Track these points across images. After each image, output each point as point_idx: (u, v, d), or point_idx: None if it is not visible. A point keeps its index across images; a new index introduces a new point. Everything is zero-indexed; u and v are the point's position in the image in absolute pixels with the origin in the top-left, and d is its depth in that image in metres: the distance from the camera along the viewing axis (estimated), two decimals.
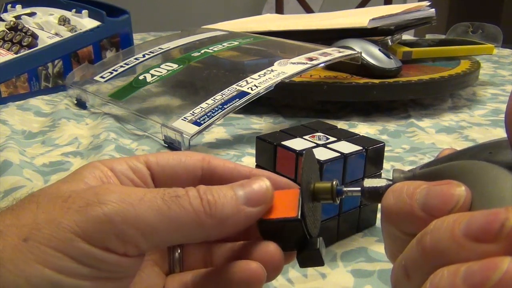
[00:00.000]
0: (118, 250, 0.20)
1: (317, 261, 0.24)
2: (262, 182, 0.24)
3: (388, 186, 0.23)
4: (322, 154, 0.34)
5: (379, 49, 0.69)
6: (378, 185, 0.24)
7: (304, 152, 0.26)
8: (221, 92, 0.56)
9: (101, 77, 0.70)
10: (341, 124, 0.63)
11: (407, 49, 0.79)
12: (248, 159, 0.52)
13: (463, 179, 0.20)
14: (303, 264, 0.25)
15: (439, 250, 0.17)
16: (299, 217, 0.23)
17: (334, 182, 0.25)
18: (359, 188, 0.25)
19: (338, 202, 0.26)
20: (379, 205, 0.39)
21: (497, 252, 0.16)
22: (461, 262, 0.17)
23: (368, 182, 0.24)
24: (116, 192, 0.21)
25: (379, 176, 0.38)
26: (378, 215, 0.39)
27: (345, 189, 0.25)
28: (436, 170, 0.22)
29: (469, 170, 0.21)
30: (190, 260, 0.28)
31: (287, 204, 0.24)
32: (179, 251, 0.27)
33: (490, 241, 0.16)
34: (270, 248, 0.25)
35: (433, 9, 0.83)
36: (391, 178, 0.24)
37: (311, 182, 0.26)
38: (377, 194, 0.24)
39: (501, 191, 0.19)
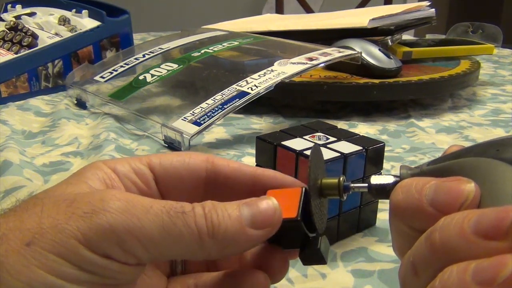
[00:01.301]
0: (119, 258, 0.20)
1: (319, 260, 0.24)
2: (271, 203, 0.23)
3: (395, 183, 0.23)
4: None
5: (379, 49, 0.69)
6: (385, 182, 0.24)
7: (311, 148, 0.25)
8: (221, 92, 0.56)
9: (101, 77, 0.70)
10: (341, 124, 0.63)
11: (407, 49, 0.79)
12: (248, 159, 0.52)
13: (471, 176, 0.20)
14: (305, 262, 0.25)
15: (448, 247, 0.17)
16: (299, 218, 0.23)
17: (341, 178, 0.25)
18: (366, 185, 0.25)
19: (345, 198, 0.26)
20: (379, 205, 0.39)
21: (507, 249, 0.16)
22: (470, 259, 0.17)
23: (375, 179, 0.24)
24: (122, 201, 0.21)
25: None
26: (378, 215, 0.39)
27: (352, 185, 0.25)
28: (443, 167, 0.22)
29: (477, 167, 0.21)
30: (193, 263, 0.27)
31: (288, 204, 0.24)
32: None
33: (499, 238, 0.16)
34: (275, 254, 0.25)
35: (433, 9, 0.82)
36: (397, 174, 0.24)
37: (318, 178, 0.26)
38: (384, 190, 0.24)
39: (510, 188, 0.19)
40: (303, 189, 0.25)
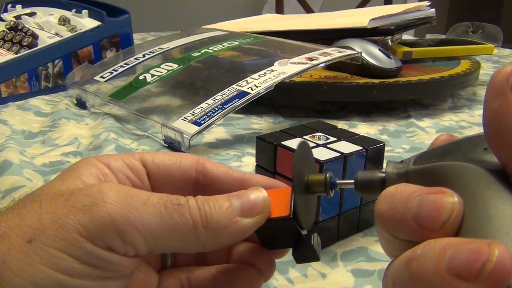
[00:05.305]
0: (120, 250, 0.20)
1: (312, 257, 0.24)
2: (259, 193, 0.23)
3: (381, 179, 0.23)
4: (322, 154, 0.34)
5: (379, 49, 0.69)
6: (371, 178, 0.24)
7: (298, 144, 0.25)
8: (221, 92, 0.56)
9: (101, 77, 0.70)
10: (341, 124, 0.63)
11: (407, 49, 0.79)
12: (248, 159, 0.52)
13: (455, 184, 0.20)
14: (299, 260, 0.25)
15: (425, 280, 0.17)
16: (291, 216, 0.23)
17: (327, 175, 0.25)
18: (353, 181, 0.25)
19: (332, 195, 0.25)
20: None
21: None
22: None
23: (362, 175, 0.24)
24: (120, 192, 0.21)
25: None
26: None
27: (338, 181, 0.25)
28: (429, 169, 0.22)
29: (461, 175, 0.20)
30: (183, 256, 0.28)
31: (279, 203, 0.24)
32: None
33: (471, 280, 0.16)
34: (261, 253, 0.25)
35: (433, 9, 0.83)
36: (383, 171, 0.24)
37: (304, 175, 0.25)
38: (370, 187, 0.24)
39: (490, 209, 0.18)
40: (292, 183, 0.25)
